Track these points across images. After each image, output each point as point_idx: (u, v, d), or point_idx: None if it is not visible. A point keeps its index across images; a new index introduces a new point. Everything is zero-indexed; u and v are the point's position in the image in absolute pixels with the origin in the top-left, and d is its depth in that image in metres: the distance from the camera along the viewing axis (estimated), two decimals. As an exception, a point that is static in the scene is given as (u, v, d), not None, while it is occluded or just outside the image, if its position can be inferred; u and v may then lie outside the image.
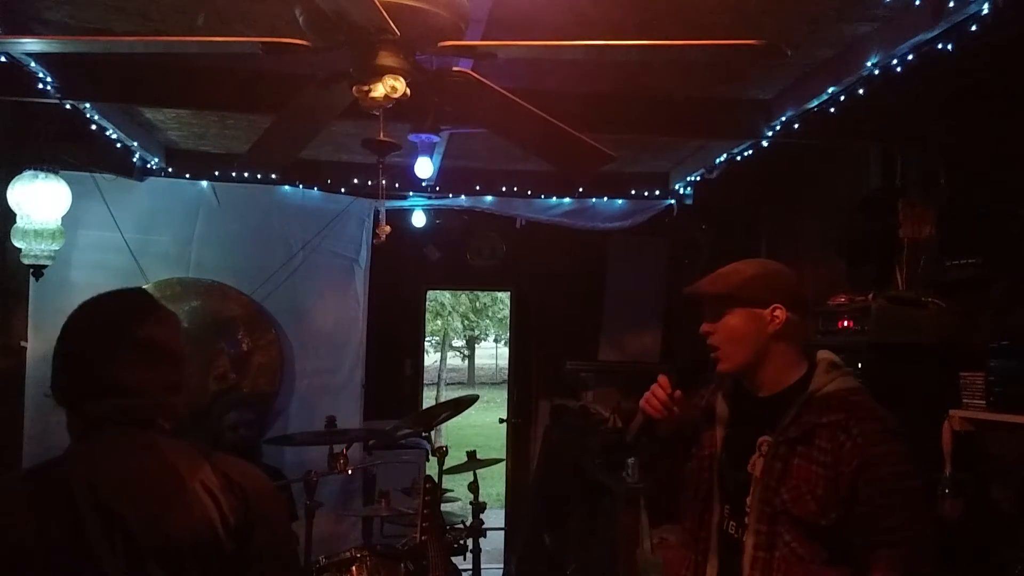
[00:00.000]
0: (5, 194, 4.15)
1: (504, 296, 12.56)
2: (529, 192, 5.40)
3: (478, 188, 5.38)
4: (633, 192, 5.52)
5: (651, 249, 6.05)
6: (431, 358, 22.75)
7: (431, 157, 4.40)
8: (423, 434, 4.08)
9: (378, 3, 1.76)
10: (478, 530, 4.19)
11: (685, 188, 5.39)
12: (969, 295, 3.30)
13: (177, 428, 1.54)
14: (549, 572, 5.24)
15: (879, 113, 3.57)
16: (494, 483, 8.18)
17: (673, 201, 5.53)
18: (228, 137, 4.75)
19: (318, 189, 5.27)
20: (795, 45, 2.70)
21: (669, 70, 3.51)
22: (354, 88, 2.05)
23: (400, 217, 5.48)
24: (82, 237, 4.80)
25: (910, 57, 2.89)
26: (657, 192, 5.52)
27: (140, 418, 1.48)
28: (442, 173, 5.05)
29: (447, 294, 21.88)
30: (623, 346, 6.15)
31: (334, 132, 4.16)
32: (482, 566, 4.35)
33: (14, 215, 4.19)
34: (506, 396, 7.16)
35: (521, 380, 6.70)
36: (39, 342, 4.53)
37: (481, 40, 2.71)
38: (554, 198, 5.50)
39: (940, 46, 2.77)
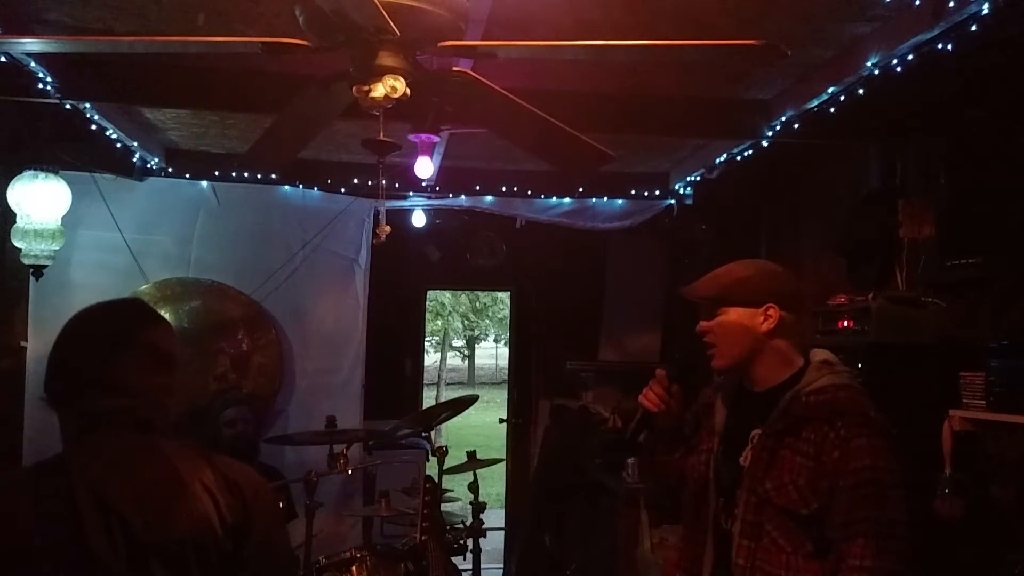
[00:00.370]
0: (5, 194, 4.15)
1: (504, 296, 12.57)
2: (529, 192, 5.40)
3: (478, 188, 5.38)
4: (633, 192, 5.51)
5: (651, 249, 6.05)
6: (431, 358, 22.75)
7: (431, 157, 4.39)
8: (423, 434, 4.08)
9: (378, 3, 1.76)
10: (478, 530, 4.19)
11: (685, 188, 5.38)
12: (969, 295, 3.30)
13: (175, 428, 1.55)
14: (549, 572, 5.24)
15: (879, 113, 3.57)
16: (494, 483, 8.18)
17: (673, 201, 5.53)
18: (228, 137, 4.75)
19: (318, 189, 5.27)
20: (795, 45, 2.70)
21: (669, 70, 3.51)
22: (354, 88, 2.05)
23: (400, 217, 5.48)
24: (82, 237, 4.80)
25: (910, 57, 2.89)
26: (657, 192, 5.52)
27: (137, 418, 1.48)
28: (442, 173, 5.04)
29: (447, 294, 21.88)
30: (623, 346, 6.15)
31: (334, 132, 4.16)
32: (482, 566, 4.34)
33: (14, 215, 4.19)
34: (506, 396, 7.17)
35: (521, 380, 6.70)
36: (39, 342, 4.53)
37: (481, 40, 2.71)
38: (554, 198, 5.50)
39: (940, 46, 2.76)
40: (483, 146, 4.54)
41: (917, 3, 2.69)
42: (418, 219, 5.59)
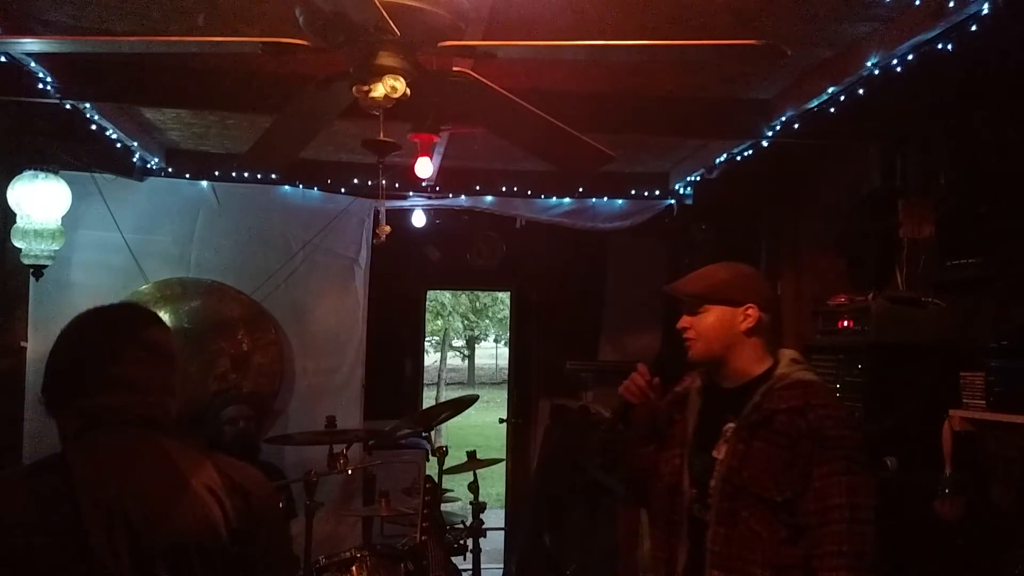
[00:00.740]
0: (5, 194, 4.15)
1: (504, 296, 12.57)
2: (529, 192, 5.40)
3: (478, 188, 5.38)
4: (633, 192, 5.51)
5: (651, 249, 6.05)
6: (431, 358, 22.75)
7: (431, 157, 4.39)
8: (423, 434, 4.08)
9: (378, 3, 1.76)
10: (478, 530, 4.19)
11: (685, 188, 5.38)
12: (969, 295, 3.30)
13: (176, 427, 1.55)
14: (549, 572, 5.24)
15: (879, 113, 3.57)
16: (494, 483, 8.18)
17: (673, 201, 5.53)
18: (228, 137, 4.75)
19: (318, 189, 5.27)
20: (795, 45, 2.70)
21: (669, 70, 3.51)
22: (354, 88, 2.05)
23: (400, 217, 5.48)
24: (82, 237, 4.80)
25: (910, 57, 2.89)
26: (657, 192, 5.52)
27: (139, 416, 1.48)
28: (442, 173, 5.04)
29: (447, 294, 21.88)
30: (623, 346, 6.15)
31: (334, 132, 4.16)
32: (482, 566, 4.35)
33: (14, 215, 4.19)
34: (506, 396, 7.17)
35: (521, 380, 6.70)
36: (39, 342, 4.53)
37: (481, 40, 2.71)
38: (554, 198, 5.49)
39: (940, 46, 2.76)
40: (483, 146, 4.54)
41: (917, 3, 2.69)
42: (418, 219, 5.59)
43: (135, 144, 4.51)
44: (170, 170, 5.04)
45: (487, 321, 25.35)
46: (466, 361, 28.70)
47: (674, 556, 2.15)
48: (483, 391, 17.36)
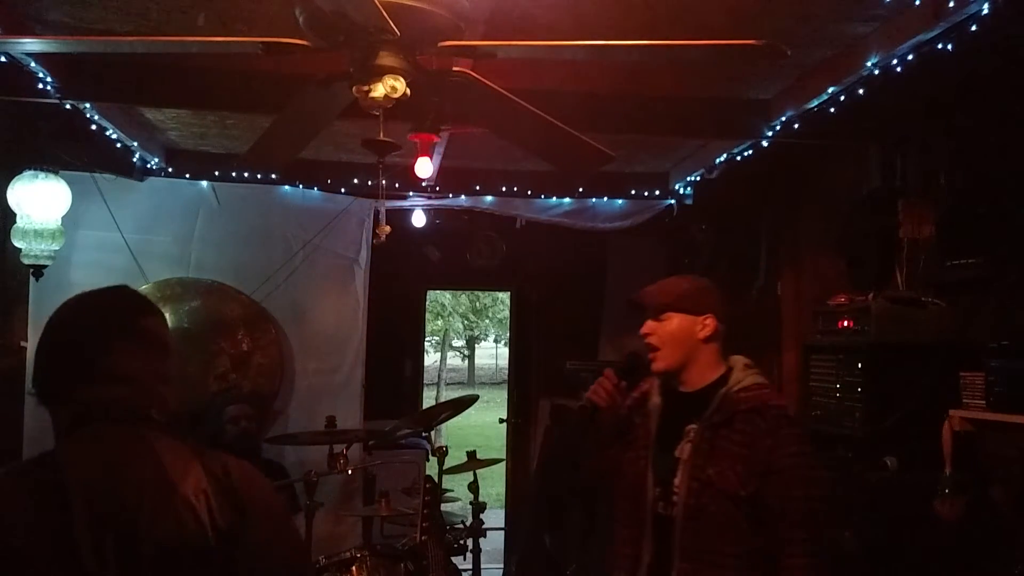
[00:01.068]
0: (5, 194, 4.15)
1: (504, 296, 12.57)
2: (529, 192, 5.40)
3: (478, 188, 5.38)
4: (633, 192, 5.51)
5: (651, 249, 6.05)
6: (431, 358, 22.75)
7: (431, 157, 4.39)
8: (423, 434, 4.08)
9: (378, 3, 1.76)
10: (478, 530, 4.19)
11: (685, 188, 5.38)
12: (969, 295, 3.30)
13: (173, 424, 1.52)
14: (549, 572, 5.24)
15: (879, 113, 3.57)
16: (494, 483, 8.18)
17: (673, 201, 5.53)
18: (228, 137, 4.75)
19: (318, 189, 5.27)
20: (795, 45, 2.70)
21: (669, 70, 3.51)
22: (354, 88, 2.05)
23: (400, 217, 5.48)
24: (82, 237, 4.80)
25: (910, 57, 2.89)
26: (657, 192, 5.52)
27: (131, 409, 1.45)
28: (442, 173, 5.04)
29: (447, 294, 21.89)
30: (623, 346, 6.14)
31: (334, 132, 4.15)
32: (482, 566, 4.35)
33: (14, 215, 4.19)
34: (506, 396, 7.17)
35: (521, 380, 6.70)
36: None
37: (481, 40, 2.71)
38: (554, 198, 5.49)
39: (940, 46, 2.76)
40: (483, 146, 4.54)
41: (917, 3, 2.69)
42: (418, 219, 5.59)
43: (135, 144, 4.51)
44: (170, 170, 5.04)
45: (487, 321, 25.35)
46: (466, 361, 28.70)
47: (639, 552, 2.28)
48: (483, 391, 17.36)
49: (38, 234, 4.20)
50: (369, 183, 5.10)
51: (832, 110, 3.43)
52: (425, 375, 9.04)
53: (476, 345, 27.95)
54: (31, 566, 1.34)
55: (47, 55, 3.31)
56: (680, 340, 2.31)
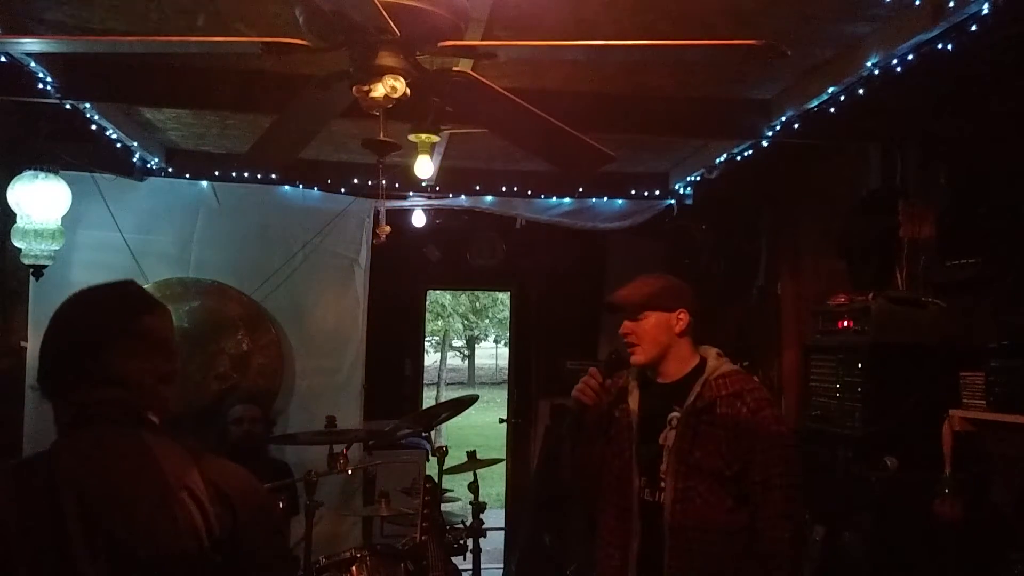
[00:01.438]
0: (5, 194, 4.15)
1: (504, 296, 12.57)
2: (529, 192, 5.40)
3: (478, 188, 5.38)
4: (633, 192, 5.51)
5: (651, 249, 6.05)
6: (431, 358, 22.75)
7: (431, 157, 4.39)
8: (423, 434, 4.08)
9: (378, 3, 1.75)
10: (478, 530, 4.19)
11: (685, 188, 5.38)
12: (969, 295, 3.29)
13: (173, 424, 1.51)
14: (549, 572, 5.24)
15: (879, 113, 3.57)
16: (494, 483, 8.18)
17: (673, 201, 5.52)
18: (228, 137, 4.75)
19: (318, 189, 5.27)
20: (795, 45, 2.70)
21: (669, 70, 3.51)
22: (354, 88, 2.05)
23: (400, 217, 5.48)
24: (82, 237, 4.80)
25: (910, 57, 2.88)
26: (657, 192, 5.52)
27: (129, 411, 1.45)
28: (442, 173, 5.04)
29: (447, 295, 21.89)
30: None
31: (334, 132, 4.16)
32: (482, 566, 4.34)
33: (14, 215, 4.19)
34: (506, 396, 7.17)
35: (521, 380, 6.70)
36: (39, 342, 4.51)
37: (481, 40, 2.71)
38: (554, 198, 5.49)
39: (940, 46, 2.76)
40: (483, 146, 4.54)
41: (917, 3, 2.69)
42: (418, 219, 5.59)
43: (135, 144, 4.51)
44: (170, 170, 5.04)
45: (487, 321, 25.35)
46: (466, 361, 28.70)
47: (627, 540, 2.41)
48: (483, 391, 17.35)
49: (38, 234, 4.20)
50: (369, 183, 5.10)
51: (832, 110, 3.43)
52: (425, 375, 9.04)
53: (476, 345, 27.95)
54: (23, 566, 1.33)
55: (47, 55, 3.31)
56: (657, 336, 2.46)
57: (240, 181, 5.07)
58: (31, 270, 4.24)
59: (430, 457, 4.27)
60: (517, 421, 6.55)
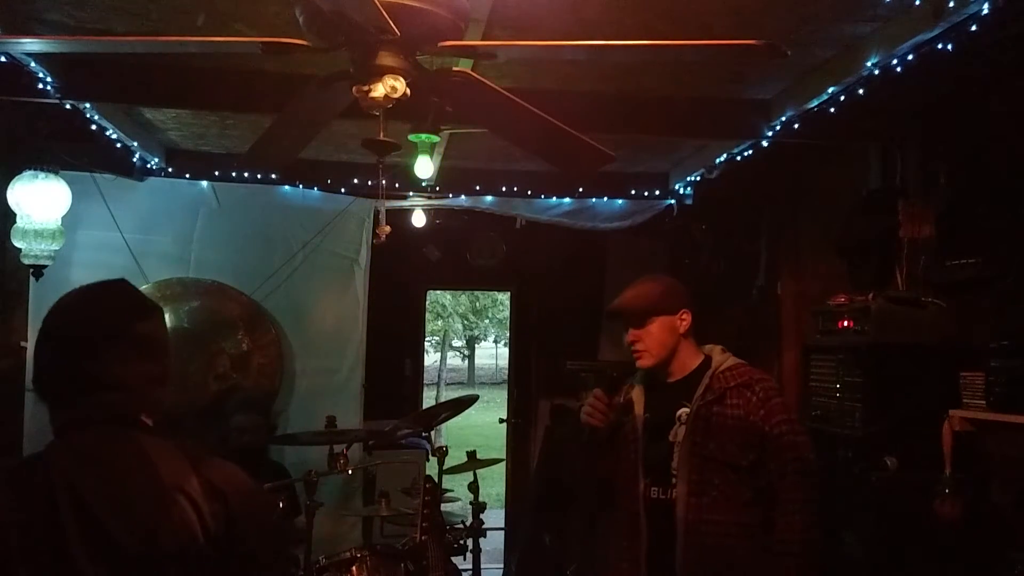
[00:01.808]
0: (5, 194, 4.15)
1: (504, 297, 12.57)
2: (529, 192, 5.39)
3: (478, 188, 5.38)
4: (633, 192, 5.51)
5: (651, 249, 6.05)
6: (431, 358, 22.75)
7: (431, 157, 4.40)
8: (423, 434, 4.08)
9: (378, 3, 1.75)
10: (478, 530, 4.19)
11: (685, 188, 5.38)
12: (969, 295, 3.29)
13: (173, 424, 1.52)
14: (549, 572, 5.24)
15: (879, 113, 3.57)
16: (494, 483, 8.18)
17: (673, 201, 5.53)
18: (228, 137, 4.75)
19: (318, 189, 5.26)
20: (795, 45, 2.70)
21: (669, 70, 3.51)
22: (354, 88, 2.05)
23: (400, 217, 5.48)
24: (82, 237, 4.79)
25: (910, 57, 2.88)
26: (657, 192, 5.52)
27: (123, 413, 1.45)
28: (442, 173, 5.04)
29: (447, 295, 21.89)
30: (623, 346, 6.13)
31: (334, 132, 4.16)
32: (482, 566, 4.34)
33: (14, 215, 4.18)
34: (506, 396, 7.17)
35: (521, 380, 6.70)
36: (39, 342, 4.52)
37: (481, 40, 2.71)
38: (554, 198, 5.49)
39: (940, 46, 2.76)
40: (483, 146, 4.54)
41: (917, 3, 2.69)
42: (418, 219, 5.59)
43: (135, 144, 4.51)
44: (170, 170, 5.04)
45: (487, 321, 25.35)
46: (466, 361, 28.70)
47: (636, 540, 2.41)
48: (483, 391, 17.35)
49: (38, 234, 4.19)
50: (369, 183, 5.10)
51: (832, 110, 3.43)
52: (425, 375, 9.04)
53: (476, 345, 27.95)
54: (23, 566, 1.33)
55: (47, 55, 3.31)
56: (663, 339, 2.50)
57: (240, 181, 5.07)
58: (31, 270, 4.24)
59: (430, 457, 4.27)
60: (517, 421, 6.56)
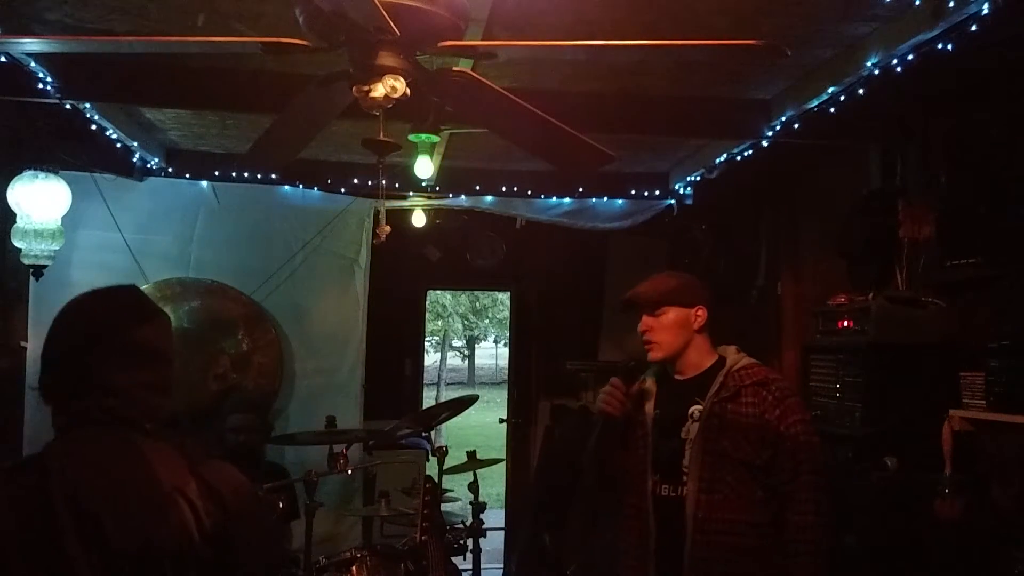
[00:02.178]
0: (5, 194, 4.15)
1: (504, 297, 12.57)
2: (529, 192, 5.39)
3: (478, 188, 5.38)
4: (633, 192, 5.51)
5: (651, 249, 6.05)
6: (431, 358, 22.76)
7: (431, 157, 4.40)
8: (423, 434, 4.08)
9: (378, 3, 1.75)
10: (478, 530, 4.19)
11: (685, 188, 5.38)
12: (969, 295, 3.29)
13: (172, 427, 1.53)
14: (549, 572, 5.24)
15: (879, 113, 3.57)
16: (494, 483, 8.18)
17: (673, 201, 5.53)
18: (228, 137, 4.75)
19: (318, 189, 5.27)
20: (795, 45, 2.70)
21: (669, 70, 3.51)
22: (354, 88, 2.05)
23: (400, 217, 5.48)
24: (82, 237, 4.79)
25: (910, 57, 2.89)
26: (657, 192, 5.52)
27: (121, 417, 1.46)
28: (442, 173, 5.04)
29: (447, 295, 21.89)
30: (623, 346, 6.14)
31: (334, 132, 4.16)
32: (482, 566, 4.34)
33: (14, 215, 4.18)
34: (506, 396, 7.17)
35: (521, 380, 6.70)
36: (39, 342, 4.46)
37: (481, 40, 2.71)
38: (554, 198, 5.49)
39: (940, 46, 2.76)
40: (483, 146, 4.54)
41: (917, 3, 2.69)
42: (418, 219, 5.59)
43: (135, 144, 4.51)
44: (170, 170, 5.04)
45: (487, 321, 25.35)
46: (466, 361, 28.70)
47: (645, 538, 2.40)
48: (483, 391, 17.35)
49: (38, 234, 4.19)
50: (369, 183, 5.10)
51: (832, 110, 3.43)
52: (425, 375, 9.04)
53: (476, 345, 27.95)
54: (21, 565, 1.34)
55: (47, 55, 3.31)
56: (676, 331, 2.47)
57: (240, 181, 5.07)
58: (31, 270, 4.24)
59: (430, 457, 4.27)
60: (517, 421, 6.55)
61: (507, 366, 7.48)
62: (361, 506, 4.89)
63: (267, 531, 1.65)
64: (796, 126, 3.72)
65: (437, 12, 1.97)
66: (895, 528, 3.10)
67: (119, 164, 4.75)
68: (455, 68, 2.30)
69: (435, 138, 3.84)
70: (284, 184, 5.21)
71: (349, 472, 3.96)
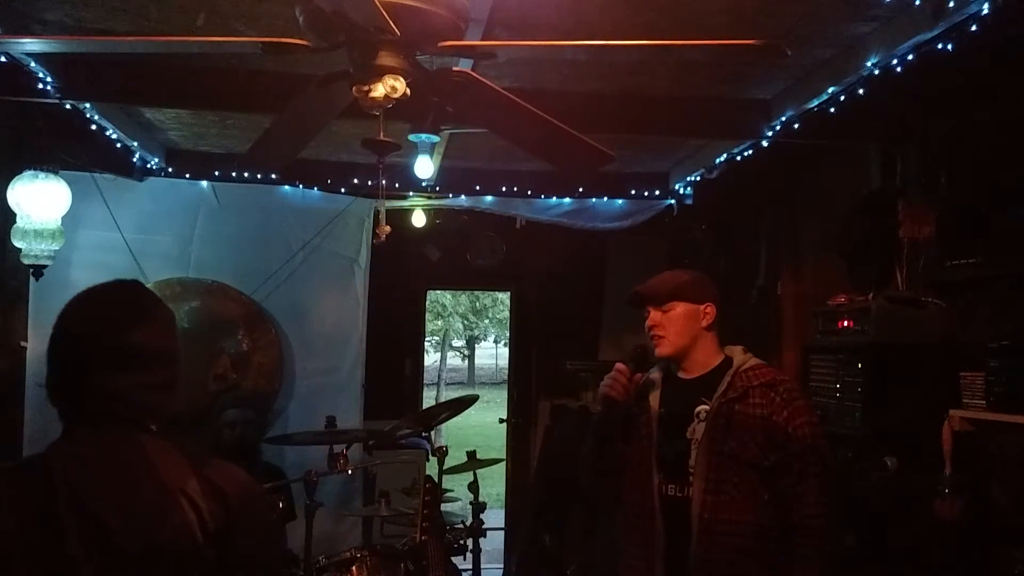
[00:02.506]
0: (5, 194, 4.15)
1: (504, 297, 12.57)
2: (529, 192, 5.40)
3: (478, 188, 5.38)
4: (633, 192, 5.51)
5: (651, 249, 6.05)
6: (431, 358, 22.75)
7: (431, 157, 4.40)
8: (423, 434, 4.08)
9: (378, 3, 1.75)
10: (478, 530, 4.19)
11: (685, 188, 5.38)
12: (969, 295, 3.29)
13: (172, 426, 1.52)
14: (549, 572, 5.24)
15: (879, 113, 3.57)
16: (494, 483, 8.18)
17: (673, 201, 5.53)
18: (228, 137, 4.75)
19: (318, 189, 5.27)
20: (795, 45, 2.70)
21: (669, 70, 3.51)
22: (354, 88, 2.05)
23: (400, 217, 5.48)
24: (82, 237, 4.79)
25: (910, 57, 2.89)
26: (657, 192, 5.52)
27: (121, 418, 1.46)
28: (442, 173, 5.04)
29: (447, 295, 21.89)
30: (623, 346, 6.13)
31: (334, 132, 4.16)
32: (482, 566, 4.34)
33: (14, 215, 4.18)
34: (506, 396, 7.17)
35: (521, 380, 6.70)
36: (39, 342, 4.52)
37: (481, 40, 2.71)
38: (554, 198, 5.49)
39: (940, 46, 2.76)
40: (483, 146, 4.54)
41: (917, 3, 2.69)
42: (418, 219, 5.59)
43: (135, 144, 4.51)
44: (170, 170, 5.04)
45: (487, 321, 25.35)
46: (466, 361, 28.69)
47: (650, 538, 2.37)
48: (483, 391, 17.35)
49: (38, 234, 4.19)
50: (369, 183, 5.10)
51: (832, 110, 3.43)
52: (425, 375, 9.04)
53: (476, 345, 27.95)
54: (20, 566, 1.34)
55: (47, 55, 3.31)
56: (685, 327, 2.43)
57: (240, 181, 5.07)
58: (31, 270, 4.24)
59: (430, 457, 4.27)
60: (517, 421, 6.55)
61: (507, 366, 7.48)
62: (361, 506, 4.90)
63: (270, 531, 1.64)
64: (796, 126, 3.72)
65: (437, 12, 1.97)
66: (895, 528, 3.09)
67: (119, 164, 4.76)
68: (455, 68, 2.30)
69: (435, 138, 3.84)
70: (284, 184, 5.21)
71: (349, 472, 3.96)
